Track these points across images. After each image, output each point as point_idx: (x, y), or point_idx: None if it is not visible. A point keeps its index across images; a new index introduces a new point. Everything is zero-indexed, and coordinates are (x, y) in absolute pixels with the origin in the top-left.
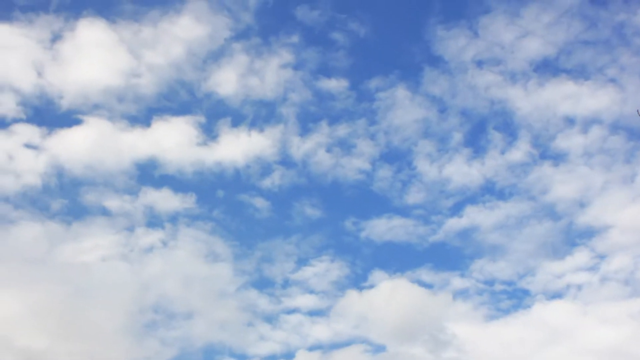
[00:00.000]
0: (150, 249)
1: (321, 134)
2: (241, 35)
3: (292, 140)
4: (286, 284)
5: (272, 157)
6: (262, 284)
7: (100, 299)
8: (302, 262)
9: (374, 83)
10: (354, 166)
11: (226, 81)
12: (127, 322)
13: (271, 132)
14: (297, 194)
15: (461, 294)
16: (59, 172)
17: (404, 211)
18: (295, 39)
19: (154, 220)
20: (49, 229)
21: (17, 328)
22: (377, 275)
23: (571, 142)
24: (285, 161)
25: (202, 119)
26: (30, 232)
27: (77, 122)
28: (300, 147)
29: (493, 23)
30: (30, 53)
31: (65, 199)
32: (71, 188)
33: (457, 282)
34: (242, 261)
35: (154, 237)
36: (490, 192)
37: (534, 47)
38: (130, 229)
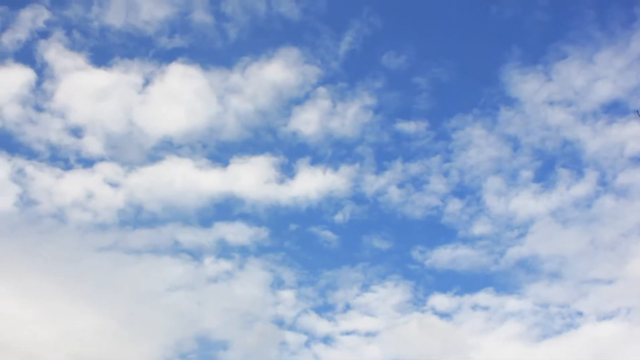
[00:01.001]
0: (216, 279)
1: (395, 172)
2: (328, 80)
3: (365, 178)
4: (347, 307)
5: (345, 193)
6: (323, 308)
7: (158, 327)
8: (365, 287)
9: (452, 123)
10: (424, 202)
11: (308, 122)
12: (183, 346)
13: (346, 170)
14: (367, 227)
15: (514, 315)
16: (136, 208)
17: (469, 241)
18: (378, 83)
19: (223, 252)
20: (120, 258)
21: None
22: (436, 298)
23: (634, 178)
24: (357, 197)
25: (281, 158)
26: (103, 261)
27: (158, 160)
28: (373, 184)
29: (567, 68)
30: (122, 96)
31: (140, 232)
32: (146, 222)
33: (513, 304)
34: (306, 288)
35: (221, 267)
36: (553, 223)
37: (605, 90)
38: (199, 259)
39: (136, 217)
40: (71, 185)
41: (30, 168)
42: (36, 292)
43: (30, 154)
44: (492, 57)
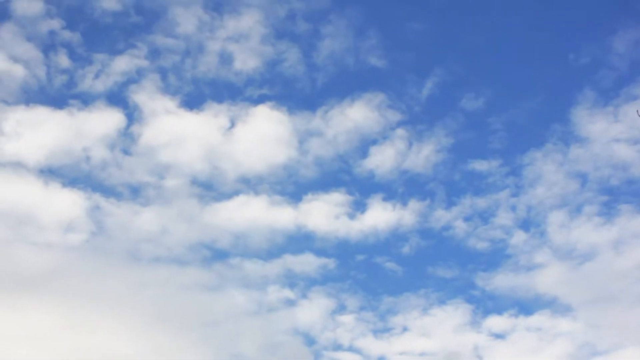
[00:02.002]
0: (279, 306)
1: (463, 206)
2: (407, 122)
3: (434, 213)
4: (404, 330)
5: (413, 227)
6: (381, 330)
7: (221, 350)
8: (424, 311)
9: (523, 160)
10: (489, 234)
11: (384, 161)
12: None
13: (416, 205)
14: (431, 258)
15: (564, 335)
16: (210, 240)
17: (530, 269)
18: (456, 124)
19: (288, 281)
20: (188, 289)
21: None
22: (492, 320)
23: None
24: (425, 231)
25: (354, 195)
26: (168, 291)
27: (233, 196)
28: (440, 219)
29: (635, 109)
30: (207, 138)
31: (210, 262)
32: (217, 254)
33: (565, 325)
34: (366, 312)
35: (284, 295)
36: (612, 253)
37: None
38: (264, 289)
39: (207, 250)
40: (147, 221)
41: (107, 204)
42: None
43: (111, 192)
44: (566, 99)
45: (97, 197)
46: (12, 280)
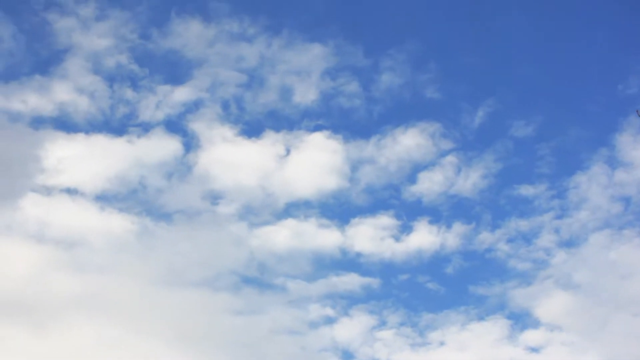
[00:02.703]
0: (319, 324)
1: (507, 229)
2: (458, 148)
3: (478, 236)
4: (441, 344)
5: (457, 248)
6: (419, 344)
7: None
8: (463, 326)
9: (569, 184)
10: (531, 255)
11: (432, 186)
12: None
13: (461, 228)
14: (473, 278)
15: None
16: (255, 262)
17: (570, 287)
18: (505, 150)
19: (331, 300)
20: (230, 309)
21: None
22: (529, 334)
23: None
24: (468, 252)
25: (401, 218)
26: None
27: (282, 220)
28: (484, 241)
29: None
30: (262, 164)
31: (254, 283)
32: (262, 275)
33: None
34: (406, 328)
35: (326, 312)
36: None
37: None
38: (306, 307)
39: (252, 272)
40: (195, 244)
41: (157, 228)
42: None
43: (162, 217)
44: (612, 125)
45: (148, 222)
46: (59, 300)
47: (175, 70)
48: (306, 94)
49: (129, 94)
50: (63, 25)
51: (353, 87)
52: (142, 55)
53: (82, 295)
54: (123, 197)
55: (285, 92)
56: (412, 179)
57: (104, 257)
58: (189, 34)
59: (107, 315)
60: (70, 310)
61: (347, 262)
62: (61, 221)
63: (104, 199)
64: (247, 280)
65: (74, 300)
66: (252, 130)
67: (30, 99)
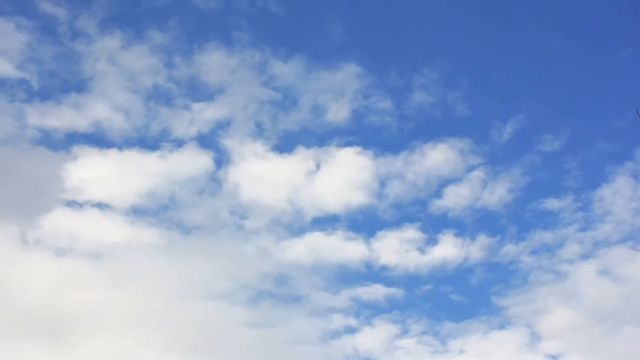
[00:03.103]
0: (341, 333)
1: (531, 241)
2: (486, 163)
3: (502, 248)
4: (461, 352)
5: (481, 260)
6: (440, 352)
7: None
8: (484, 335)
9: (594, 196)
10: (554, 267)
11: (459, 200)
12: None
13: (486, 241)
14: (496, 289)
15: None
16: (282, 273)
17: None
18: (532, 164)
19: (354, 310)
20: (251, 320)
21: None
22: (548, 343)
23: None
24: (492, 264)
25: (427, 231)
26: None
27: (308, 233)
28: (508, 253)
29: None
30: (291, 180)
31: (276, 294)
32: (286, 286)
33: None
34: (427, 337)
35: (349, 322)
36: None
37: None
38: (328, 317)
39: (276, 283)
40: (222, 257)
41: (184, 242)
42: None
43: (189, 231)
44: (637, 140)
45: (176, 236)
46: (80, 312)
47: (209, 88)
48: (338, 112)
49: (163, 111)
50: (102, 47)
51: (385, 105)
52: (178, 75)
53: (102, 307)
54: (153, 211)
55: (318, 110)
56: (439, 193)
57: (128, 270)
58: (224, 54)
59: (124, 327)
60: (89, 322)
61: (372, 273)
62: (89, 235)
63: (134, 213)
64: (269, 293)
65: (94, 313)
66: (283, 146)
67: (66, 116)
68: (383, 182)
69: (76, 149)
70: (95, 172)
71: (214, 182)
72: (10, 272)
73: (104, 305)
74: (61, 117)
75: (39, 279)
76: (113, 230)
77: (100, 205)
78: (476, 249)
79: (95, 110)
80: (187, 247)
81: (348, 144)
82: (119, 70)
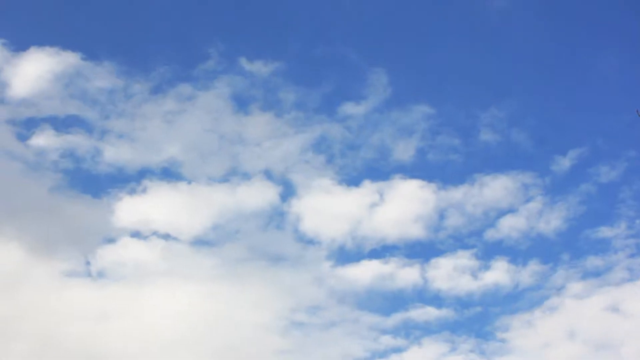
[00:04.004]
0: (387, 352)
1: (582, 267)
2: (544, 193)
3: (554, 274)
4: None
5: (530, 285)
6: None
7: None
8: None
9: None
10: (603, 290)
11: (514, 228)
12: None
13: (538, 267)
14: None
15: None
16: (339, 297)
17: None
18: (589, 194)
19: (403, 331)
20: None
21: None
22: None
23: None
24: (541, 288)
25: (480, 257)
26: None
27: (366, 260)
28: (558, 278)
29: None
30: (354, 210)
31: (328, 317)
32: (337, 309)
33: None
34: (474, 355)
35: (397, 342)
36: None
37: None
38: (376, 338)
39: (329, 307)
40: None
41: (243, 271)
42: None
43: (248, 260)
44: None
45: (236, 265)
46: (130, 339)
47: (281, 125)
48: (406, 149)
49: (233, 146)
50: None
51: (451, 142)
52: (253, 111)
53: (148, 332)
54: (216, 242)
55: (387, 147)
56: (495, 222)
57: (188, 298)
58: (297, 90)
59: (167, 353)
60: (135, 349)
61: (424, 297)
62: (151, 265)
63: (197, 243)
64: (321, 316)
65: (144, 340)
66: (349, 180)
67: (139, 151)
68: (442, 213)
69: (146, 182)
70: (163, 204)
71: (278, 214)
72: (73, 299)
73: (151, 330)
74: (133, 152)
75: (95, 307)
76: (173, 260)
77: (165, 236)
78: (527, 275)
79: (168, 146)
80: (246, 276)
81: (412, 177)
82: (192, 108)
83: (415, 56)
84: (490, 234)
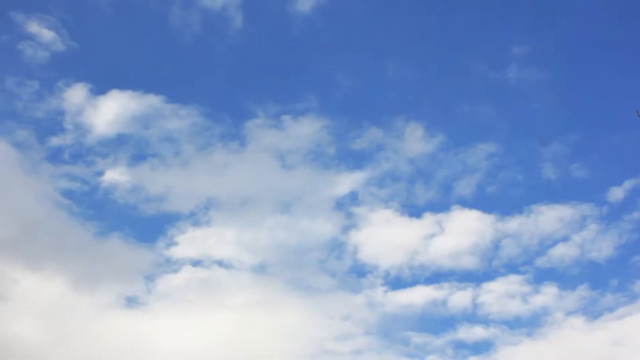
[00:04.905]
0: None
1: (630, 291)
2: (598, 222)
3: (602, 298)
4: None
5: (578, 307)
6: None
7: None
8: None
9: None
10: None
11: (567, 254)
12: None
13: (584, 292)
14: None
15: None
16: (390, 321)
17: None
18: (638, 221)
19: (451, 350)
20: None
21: None
22: None
23: None
24: (588, 311)
25: (531, 281)
26: None
27: (420, 284)
28: (606, 303)
29: None
30: (412, 240)
31: (377, 337)
32: (389, 330)
33: None
34: None
35: None
36: None
37: None
38: (423, 357)
39: (384, 328)
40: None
41: (296, 295)
42: None
43: (304, 287)
44: None
45: (292, 291)
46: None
47: (351, 159)
48: (469, 184)
49: (298, 179)
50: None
51: (513, 178)
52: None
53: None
54: (276, 268)
55: (450, 183)
56: (548, 250)
57: (236, 324)
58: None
59: None
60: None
61: (475, 318)
62: (210, 290)
63: (255, 272)
64: (371, 336)
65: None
66: (410, 211)
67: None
68: (498, 243)
69: (212, 213)
70: (224, 234)
71: (338, 243)
72: (112, 327)
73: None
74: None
75: (133, 333)
76: (236, 287)
77: (225, 264)
78: (575, 299)
79: (237, 178)
80: (298, 300)
81: (472, 207)
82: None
83: (483, 97)
84: (543, 261)
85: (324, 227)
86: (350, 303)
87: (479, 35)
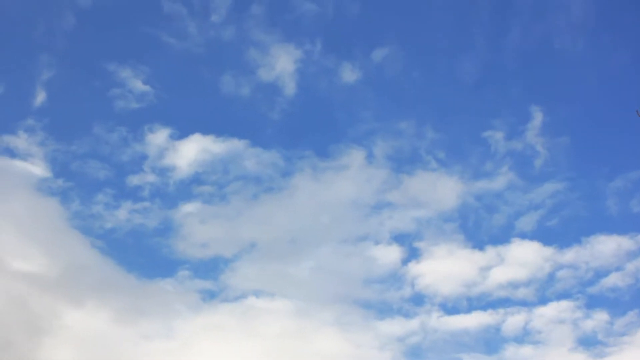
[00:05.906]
0: None
1: None
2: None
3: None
4: None
5: (626, 332)
6: None
7: None
8: None
9: None
10: None
11: (617, 282)
12: None
13: (636, 317)
14: None
15: None
16: (442, 342)
17: None
18: None
19: None
20: None
21: None
22: None
23: None
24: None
25: (582, 307)
26: None
27: (474, 310)
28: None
29: None
30: (471, 271)
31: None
32: (441, 351)
33: None
34: None
35: None
36: None
37: None
38: None
39: (433, 349)
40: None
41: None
42: None
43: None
44: None
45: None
46: None
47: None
48: (532, 217)
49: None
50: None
51: (576, 212)
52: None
53: None
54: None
55: (513, 217)
56: (601, 277)
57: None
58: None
59: None
60: None
61: (525, 339)
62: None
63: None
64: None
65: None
66: (473, 244)
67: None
68: (554, 273)
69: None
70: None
71: (399, 274)
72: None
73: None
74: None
75: None
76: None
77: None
78: (623, 324)
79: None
80: (361, 325)
81: (532, 239)
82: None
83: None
84: (595, 288)
85: (387, 258)
86: (407, 327)
87: None
